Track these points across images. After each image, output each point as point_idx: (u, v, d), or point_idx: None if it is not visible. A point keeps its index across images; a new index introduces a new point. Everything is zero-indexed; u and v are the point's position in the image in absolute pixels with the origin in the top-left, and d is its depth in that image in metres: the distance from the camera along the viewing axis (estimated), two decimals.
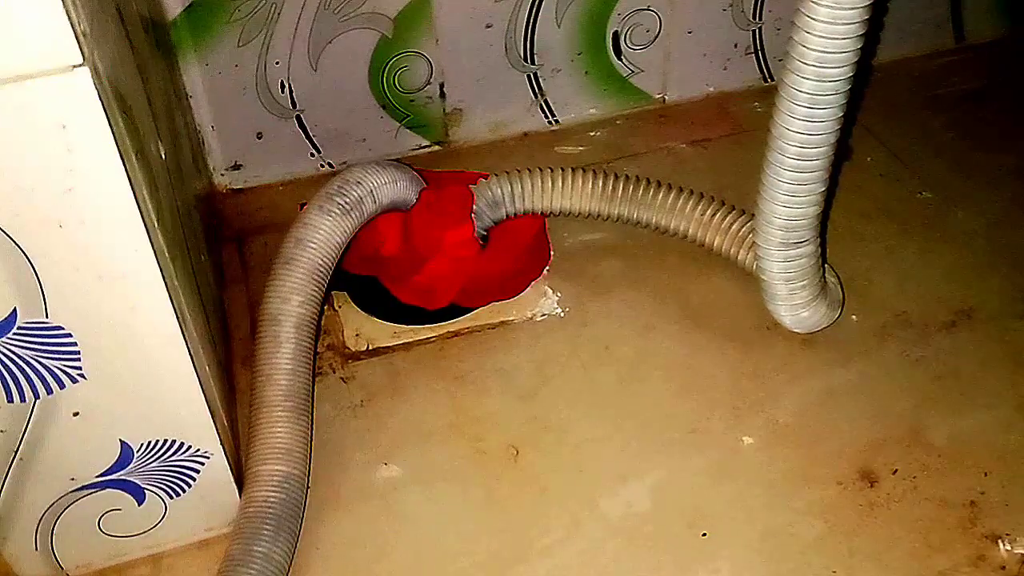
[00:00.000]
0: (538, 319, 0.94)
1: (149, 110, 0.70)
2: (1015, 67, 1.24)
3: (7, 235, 0.54)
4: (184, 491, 0.72)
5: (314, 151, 1.09)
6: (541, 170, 0.94)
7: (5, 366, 0.59)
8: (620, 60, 1.14)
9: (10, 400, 0.61)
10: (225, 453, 0.72)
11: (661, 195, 0.93)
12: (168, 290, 0.61)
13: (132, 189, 0.55)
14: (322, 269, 0.81)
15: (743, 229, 0.91)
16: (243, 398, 0.84)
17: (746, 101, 1.19)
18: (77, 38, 0.49)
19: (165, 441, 0.68)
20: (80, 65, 0.50)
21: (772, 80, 1.21)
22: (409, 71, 1.06)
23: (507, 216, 0.94)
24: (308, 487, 0.76)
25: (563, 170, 0.94)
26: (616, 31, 1.11)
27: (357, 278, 0.95)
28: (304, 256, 0.80)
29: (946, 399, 0.85)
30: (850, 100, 0.74)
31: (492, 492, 0.79)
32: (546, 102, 1.15)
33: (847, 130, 0.76)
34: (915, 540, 0.75)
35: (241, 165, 1.08)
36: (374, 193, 0.85)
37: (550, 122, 1.17)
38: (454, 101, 1.11)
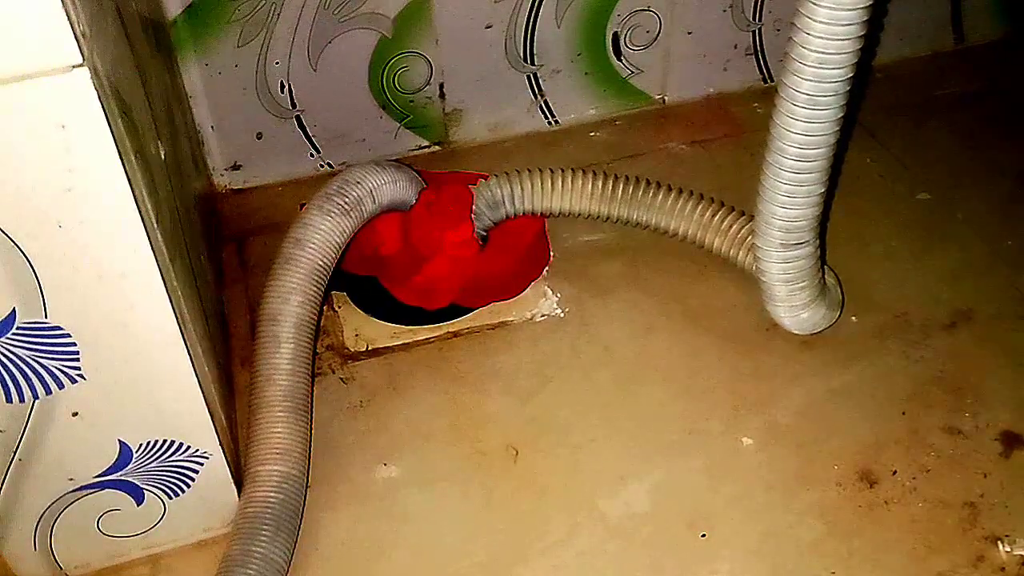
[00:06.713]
0: (538, 320, 0.94)
1: (149, 110, 0.70)
2: (1015, 68, 1.24)
3: (6, 235, 0.54)
4: (183, 491, 0.72)
5: (314, 151, 1.09)
6: (541, 171, 0.94)
7: (4, 366, 0.59)
8: (620, 61, 1.14)
9: (9, 400, 0.61)
10: (224, 453, 0.72)
11: (660, 196, 0.93)
12: (167, 290, 0.61)
13: (131, 189, 0.55)
14: (322, 269, 0.81)
15: (742, 231, 0.91)
16: (242, 398, 0.84)
17: (746, 102, 1.19)
18: (77, 38, 0.49)
19: (164, 441, 0.68)
20: (80, 65, 0.50)
21: (772, 81, 1.21)
22: (409, 71, 1.06)
23: (507, 216, 0.94)
24: (307, 487, 0.76)
25: (563, 171, 0.94)
26: (616, 32, 1.11)
27: (357, 278, 0.95)
28: (304, 256, 0.80)
29: (946, 399, 0.85)
30: (850, 101, 0.74)
31: (491, 493, 0.79)
32: (546, 102, 1.15)
33: (847, 132, 0.76)
34: (914, 541, 0.75)
35: (241, 165, 1.08)
36: (374, 193, 0.85)
37: (550, 123, 1.16)
38: (454, 101, 1.11)
